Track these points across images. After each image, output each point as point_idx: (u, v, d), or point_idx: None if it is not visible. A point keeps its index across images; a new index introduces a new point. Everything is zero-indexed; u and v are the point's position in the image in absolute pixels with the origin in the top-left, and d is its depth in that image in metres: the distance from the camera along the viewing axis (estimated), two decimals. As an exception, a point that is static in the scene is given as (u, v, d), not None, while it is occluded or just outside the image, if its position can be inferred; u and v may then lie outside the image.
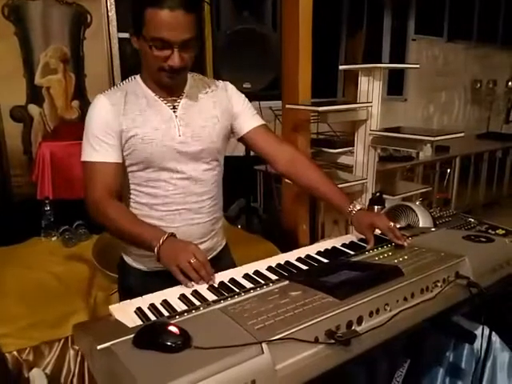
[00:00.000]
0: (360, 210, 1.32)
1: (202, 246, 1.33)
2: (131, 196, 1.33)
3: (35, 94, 3.08)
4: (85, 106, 3.24)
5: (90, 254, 2.16)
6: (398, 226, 1.35)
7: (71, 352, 1.64)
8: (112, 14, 3.24)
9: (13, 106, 3.02)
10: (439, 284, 1.04)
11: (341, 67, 3.11)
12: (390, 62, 4.55)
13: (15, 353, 1.59)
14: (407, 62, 5.28)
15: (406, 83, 5.51)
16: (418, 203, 1.61)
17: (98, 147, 1.23)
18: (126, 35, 3.46)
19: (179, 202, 1.31)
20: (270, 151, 1.41)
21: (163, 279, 1.12)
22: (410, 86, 5.52)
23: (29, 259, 2.29)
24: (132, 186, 1.32)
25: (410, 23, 5.38)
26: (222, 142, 1.37)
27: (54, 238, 2.54)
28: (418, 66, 3.08)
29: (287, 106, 2.71)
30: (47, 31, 3.08)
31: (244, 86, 2.74)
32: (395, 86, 5.31)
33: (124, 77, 3.23)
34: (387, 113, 4.41)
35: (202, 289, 1.06)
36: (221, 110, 1.35)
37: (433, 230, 1.41)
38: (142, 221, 1.25)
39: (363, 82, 2.68)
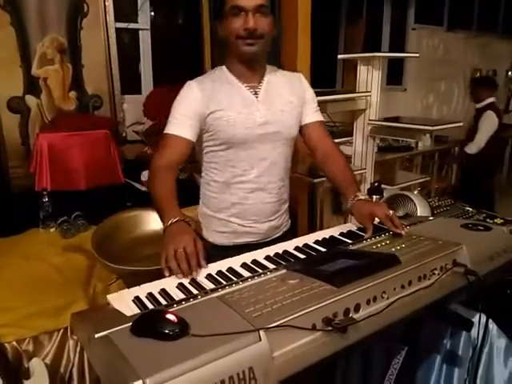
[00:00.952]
0: (360, 199, 1.34)
1: (268, 224, 1.49)
2: (211, 174, 1.46)
3: (32, 85, 3.05)
4: (82, 96, 3.21)
5: (88, 245, 2.15)
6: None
7: (71, 342, 1.65)
8: (109, 3, 3.19)
9: (10, 97, 2.98)
10: (436, 272, 1.04)
11: (340, 56, 3.10)
12: (389, 52, 4.53)
13: (14, 343, 1.59)
14: (407, 51, 5.24)
15: (405, 73, 5.49)
16: (416, 192, 1.61)
17: (177, 121, 1.36)
18: (123, 25, 3.43)
19: (254, 181, 1.42)
20: (312, 143, 1.54)
21: (230, 253, 1.20)
22: (409, 75, 5.49)
23: (27, 250, 2.29)
24: (212, 165, 1.44)
25: (410, 12, 5.34)
26: (297, 126, 1.49)
27: (52, 229, 2.54)
28: (417, 54, 3.05)
29: (286, 95, 2.69)
30: (44, 21, 3.04)
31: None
32: (395, 75, 5.29)
33: (121, 66, 3.24)
34: (386, 103, 4.40)
35: (200, 277, 1.06)
36: (297, 97, 1.47)
37: (431, 218, 1.41)
38: (174, 200, 1.30)
39: (362, 71, 2.67)
